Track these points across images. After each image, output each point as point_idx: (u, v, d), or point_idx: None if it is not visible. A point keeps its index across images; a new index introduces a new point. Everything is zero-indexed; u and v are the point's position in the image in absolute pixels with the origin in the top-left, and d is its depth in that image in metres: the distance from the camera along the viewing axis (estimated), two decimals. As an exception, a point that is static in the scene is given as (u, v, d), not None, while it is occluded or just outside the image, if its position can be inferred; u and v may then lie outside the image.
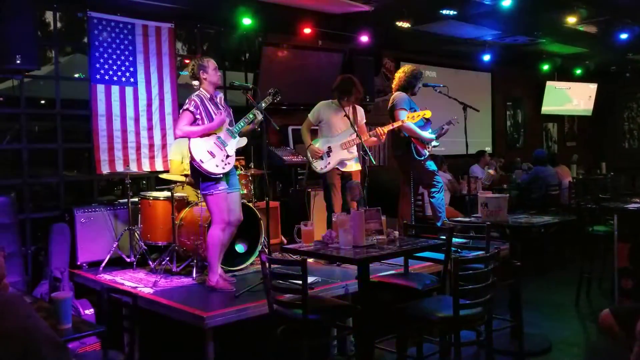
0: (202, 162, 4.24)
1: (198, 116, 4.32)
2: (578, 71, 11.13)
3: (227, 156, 4.37)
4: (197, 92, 4.41)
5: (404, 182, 5.77)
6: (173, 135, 6.03)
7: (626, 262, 4.82)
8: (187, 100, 4.39)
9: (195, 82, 4.45)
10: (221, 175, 4.32)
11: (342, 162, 5.28)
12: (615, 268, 4.96)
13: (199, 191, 5.08)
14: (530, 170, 8.61)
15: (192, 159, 4.28)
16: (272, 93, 4.55)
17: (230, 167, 4.37)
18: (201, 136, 4.32)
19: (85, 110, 5.76)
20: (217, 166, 4.29)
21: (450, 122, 5.83)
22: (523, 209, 6.32)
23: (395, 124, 5.33)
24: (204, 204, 5.07)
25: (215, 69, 4.43)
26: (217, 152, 4.32)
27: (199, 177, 4.35)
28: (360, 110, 5.46)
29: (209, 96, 4.41)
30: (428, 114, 5.43)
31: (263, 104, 4.47)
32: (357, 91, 5.24)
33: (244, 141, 4.55)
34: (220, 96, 4.56)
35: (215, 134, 4.38)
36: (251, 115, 4.46)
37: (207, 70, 4.38)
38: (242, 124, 4.47)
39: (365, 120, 5.48)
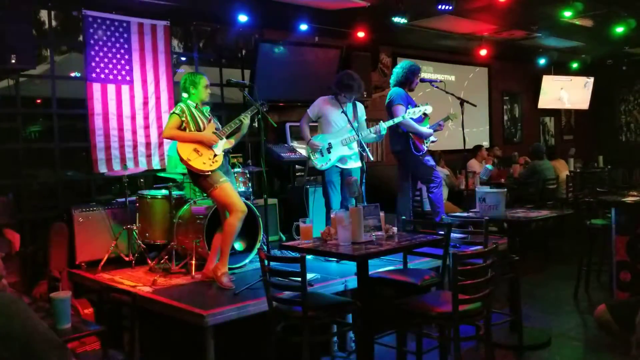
0: (190, 160, 4.35)
1: (184, 119, 4.43)
2: (574, 65, 11.13)
3: (215, 155, 4.47)
4: (184, 101, 4.55)
5: (403, 178, 5.76)
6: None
7: (624, 255, 4.82)
8: (175, 106, 4.54)
9: (185, 94, 4.57)
10: (209, 173, 4.39)
11: (342, 159, 5.29)
12: (614, 261, 4.96)
13: (197, 190, 5.09)
14: (528, 164, 8.61)
15: (180, 158, 4.39)
16: (260, 103, 4.58)
17: (218, 164, 4.45)
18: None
19: (81, 109, 5.74)
20: (204, 163, 4.39)
21: (447, 118, 5.84)
22: (521, 203, 6.33)
23: (396, 120, 5.33)
24: (202, 202, 5.07)
25: (205, 87, 4.56)
26: (204, 151, 4.42)
27: (194, 177, 4.47)
28: (360, 107, 5.47)
29: (194, 105, 4.54)
30: (429, 109, 5.45)
31: (249, 113, 4.56)
32: (358, 87, 5.25)
33: (230, 143, 4.65)
34: (207, 108, 4.65)
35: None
36: (237, 121, 4.58)
37: (197, 86, 4.52)
38: (229, 129, 4.58)
39: (365, 117, 5.50)
